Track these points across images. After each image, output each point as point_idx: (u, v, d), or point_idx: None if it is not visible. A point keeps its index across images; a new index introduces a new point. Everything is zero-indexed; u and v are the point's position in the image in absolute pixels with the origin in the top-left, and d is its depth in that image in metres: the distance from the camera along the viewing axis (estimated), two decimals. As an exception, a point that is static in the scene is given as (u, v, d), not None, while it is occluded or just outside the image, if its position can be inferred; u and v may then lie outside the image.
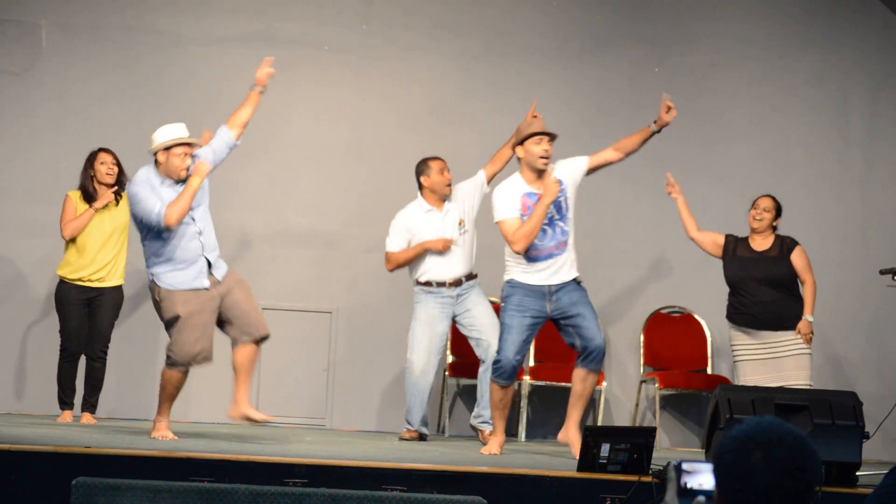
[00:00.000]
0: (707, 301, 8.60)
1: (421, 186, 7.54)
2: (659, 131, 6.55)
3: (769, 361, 7.25)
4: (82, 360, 7.61)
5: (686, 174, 8.83)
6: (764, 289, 7.26)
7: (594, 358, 6.45)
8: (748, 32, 8.92)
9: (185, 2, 8.73)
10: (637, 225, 8.77)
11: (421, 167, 7.54)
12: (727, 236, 7.43)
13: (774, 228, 7.48)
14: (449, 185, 7.50)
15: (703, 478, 2.51)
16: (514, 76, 8.77)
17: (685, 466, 2.51)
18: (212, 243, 6.47)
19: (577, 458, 6.13)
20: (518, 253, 6.42)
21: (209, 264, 6.43)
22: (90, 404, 7.58)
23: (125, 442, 6.02)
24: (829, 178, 8.68)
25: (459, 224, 7.46)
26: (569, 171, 6.52)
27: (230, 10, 8.74)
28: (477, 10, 8.89)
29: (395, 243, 7.50)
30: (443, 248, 7.40)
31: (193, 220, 6.40)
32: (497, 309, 7.05)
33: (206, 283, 6.41)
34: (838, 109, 8.89)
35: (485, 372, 7.37)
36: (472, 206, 7.51)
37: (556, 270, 6.48)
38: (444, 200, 7.49)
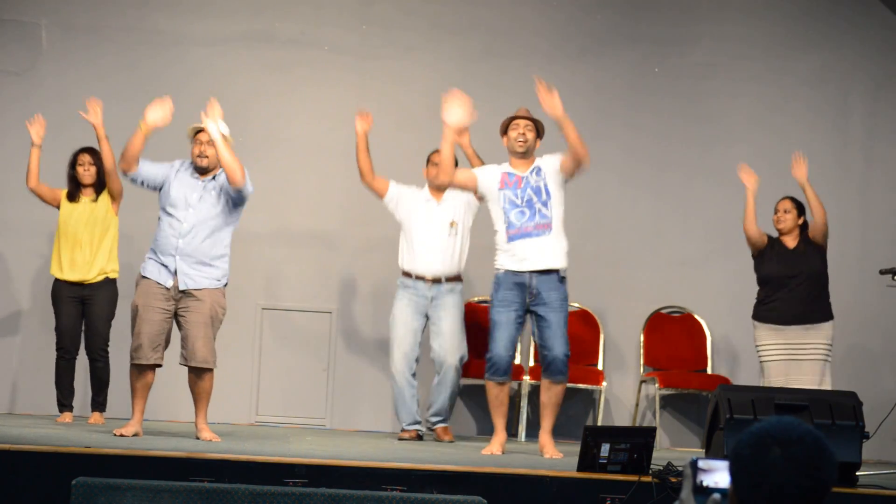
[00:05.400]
0: (707, 301, 8.61)
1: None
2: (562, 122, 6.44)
3: (791, 363, 7.27)
4: (85, 363, 7.62)
5: (686, 174, 8.85)
6: (799, 285, 7.32)
7: (552, 369, 6.47)
8: (748, 33, 8.92)
9: (185, 2, 8.74)
10: (637, 225, 8.77)
11: (428, 157, 7.64)
12: (769, 236, 7.46)
13: (801, 227, 7.51)
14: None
15: (718, 476, 2.51)
16: (514, 77, 8.76)
17: (701, 464, 2.50)
18: (194, 251, 6.45)
19: (550, 458, 6.28)
20: (436, 181, 6.73)
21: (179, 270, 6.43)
22: (98, 403, 7.59)
23: (125, 442, 6.01)
24: (829, 179, 8.66)
25: (451, 225, 7.52)
26: (549, 161, 6.63)
27: (230, 10, 8.74)
28: (476, 10, 8.89)
29: (382, 179, 7.63)
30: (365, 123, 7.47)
31: (175, 217, 6.45)
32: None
33: (169, 282, 6.42)
34: (838, 110, 8.89)
35: (437, 385, 7.53)
36: (465, 213, 7.60)
37: (540, 251, 6.50)
38: (442, 192, 7.57)
